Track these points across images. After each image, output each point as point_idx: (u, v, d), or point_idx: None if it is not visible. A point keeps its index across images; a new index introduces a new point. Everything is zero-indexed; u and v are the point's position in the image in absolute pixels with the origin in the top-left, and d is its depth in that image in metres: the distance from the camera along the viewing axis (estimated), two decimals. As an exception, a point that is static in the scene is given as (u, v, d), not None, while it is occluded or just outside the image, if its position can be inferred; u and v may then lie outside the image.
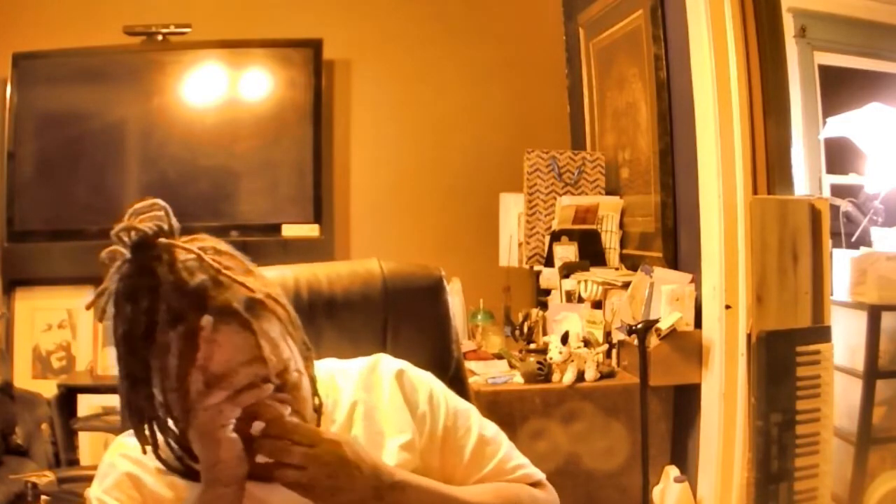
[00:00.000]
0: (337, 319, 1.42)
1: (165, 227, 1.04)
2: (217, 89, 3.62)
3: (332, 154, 3.81)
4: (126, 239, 1.02)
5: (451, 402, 1.24)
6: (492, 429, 1.26)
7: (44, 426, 3.31)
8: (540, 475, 1.27)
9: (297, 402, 1.06)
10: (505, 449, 1.24)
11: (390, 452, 1.14)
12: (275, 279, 1.29)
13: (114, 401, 3.44)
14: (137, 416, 1.05)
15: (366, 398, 1.20)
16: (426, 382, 1.24)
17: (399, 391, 1.21)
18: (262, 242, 3.50)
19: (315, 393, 1.13)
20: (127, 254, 1.02)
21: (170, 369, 0.99)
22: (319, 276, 1.45)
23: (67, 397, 3.39)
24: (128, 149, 3.62)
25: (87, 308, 1.03)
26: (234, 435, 1.00)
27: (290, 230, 3.53)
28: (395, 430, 1.18)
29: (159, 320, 0.99)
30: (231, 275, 1.03)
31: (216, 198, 3.61)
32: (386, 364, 1.25)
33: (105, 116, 3.59)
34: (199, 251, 1.03)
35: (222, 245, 1.09)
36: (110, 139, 3.59)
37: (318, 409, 1.14)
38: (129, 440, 1.12)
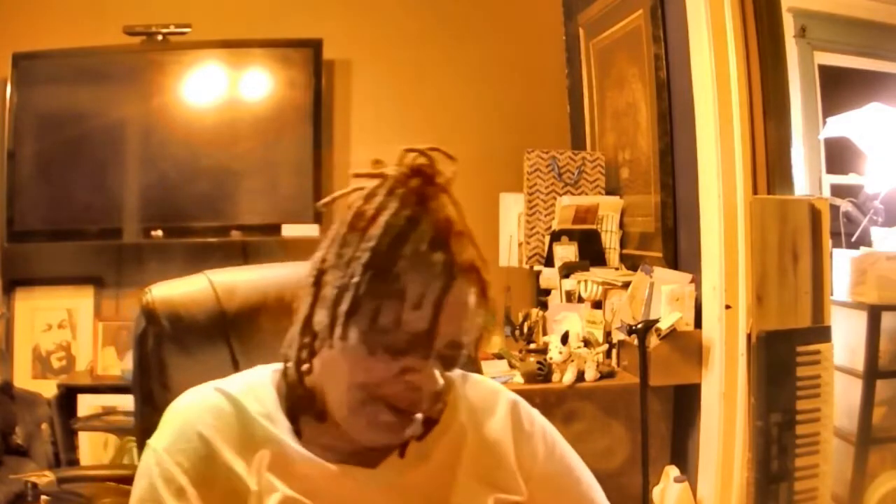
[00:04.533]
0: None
1: (446, 178, 1.04)
2: (217, 89, 3.62)
3: (332, 154, 3.81)
4: (418, 163, 1.02)
5: (562, 443, 1.19)
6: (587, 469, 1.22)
7: (44, 426, 3.31)
8: None
9: (447, 384, 1.02)
10: (601, 492, 1.21)
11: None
12: (293, 276, 1.28)
13: (114, 401, 3.45)
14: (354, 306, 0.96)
15: (475, 425, 1.12)
16: (539, 418, 1.19)
17: (512, 422, 1.14)
18: (262, 242, 3.51)
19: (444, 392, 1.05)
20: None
21: (414, 292, 0.95)
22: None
23: (67, 397, 3.39)
24: (128, 149, 3.61)
25: (356, 176, 1.03)
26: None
27: (290, 230, 3.53)
28: (500, 477, 1.10)
29: (413, 238, 0.96)
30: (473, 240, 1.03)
31: (216, 198, 3.60)
32: (502, 390, 1.19)
33: (105, 116, 3.58)
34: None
35: None
36: (110, 139, 3.58)
37: (440, 408, 1.08)
38: (215, 394, 1.03)
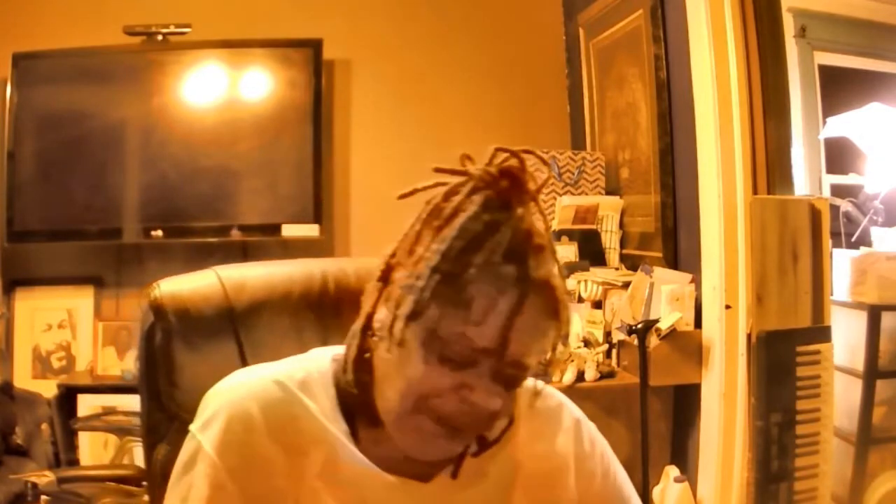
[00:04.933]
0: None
1: (537, 184, 0.96)
2: (217, 89, 3.62)
3: (332, 154, 3.81)
4: (508, 165, 0.95)
5: (615, 464, 1.16)
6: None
7: (44, 426, 3.31)
8: None
9: (508, 403, 0.96)
10: None
11: None
12: (301, 273, 1.27)
13: (114, 401, 3.45)
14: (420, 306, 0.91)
15: (535, 443, 1.08)
16: (598, 438, 1.15)
17: (574, 442, 1.11)
18: (262, 242, 3.51)
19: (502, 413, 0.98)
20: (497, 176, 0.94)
21: (482, 305, 0.89)
22: (347, 271, 1.44)
23: (67, 397, 3.39)
24: (128, 149, 3.61)
25: (437, 170, 0.97)
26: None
27: (290, 230, 3.53)
28: (556, 499, 1.07)
29: (488, 246, 0.90)
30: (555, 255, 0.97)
31: (216, 198, 3.60)
32: (566, 406, 1.15)
33: (105, 116, 3.58)
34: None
35: None
36: (110, 139, 3.58)
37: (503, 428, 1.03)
38: (269, 382, 0.98)
